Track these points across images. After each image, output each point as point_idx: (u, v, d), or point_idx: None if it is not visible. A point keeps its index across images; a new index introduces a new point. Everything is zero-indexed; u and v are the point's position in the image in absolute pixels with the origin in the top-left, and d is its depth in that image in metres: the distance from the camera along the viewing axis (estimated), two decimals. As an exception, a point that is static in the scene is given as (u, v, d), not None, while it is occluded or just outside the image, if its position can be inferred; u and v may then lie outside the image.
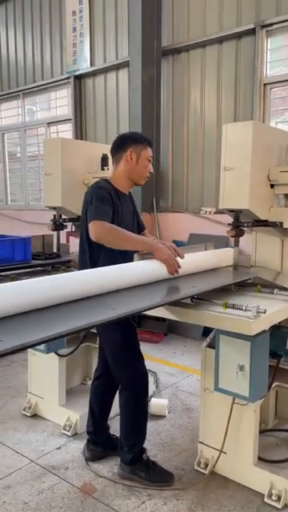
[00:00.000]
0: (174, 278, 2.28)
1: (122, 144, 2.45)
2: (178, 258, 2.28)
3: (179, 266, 2.24)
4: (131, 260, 2.32)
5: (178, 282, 2.28)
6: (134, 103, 5.43)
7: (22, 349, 1.29)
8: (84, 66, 6.43)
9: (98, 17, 6.21)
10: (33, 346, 1.35)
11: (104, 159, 3.42)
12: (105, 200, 2.28)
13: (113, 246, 2.23)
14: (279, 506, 2.23)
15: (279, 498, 2.24)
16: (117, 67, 6.06)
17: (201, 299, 2.16)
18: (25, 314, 1.63)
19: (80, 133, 6.64)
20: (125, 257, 2.28)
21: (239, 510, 2.24)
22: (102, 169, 3.40)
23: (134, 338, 2.45)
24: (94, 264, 2.32)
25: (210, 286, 2.24)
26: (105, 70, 6.23)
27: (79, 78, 6.58)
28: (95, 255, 2.35)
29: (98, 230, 2.18)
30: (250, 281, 2.49)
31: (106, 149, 3.45)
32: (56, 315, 1.67)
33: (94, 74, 6.39)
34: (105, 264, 2.26)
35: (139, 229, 2.64)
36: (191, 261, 2.44)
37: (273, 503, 2.25)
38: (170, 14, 5.40)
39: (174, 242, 2.65)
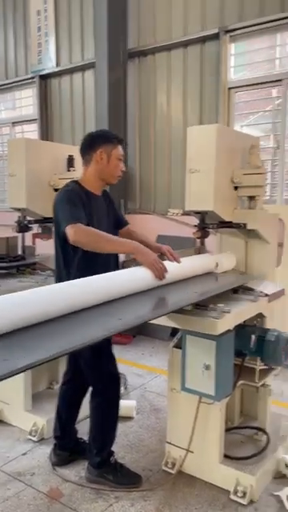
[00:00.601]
0: (170, 284, 2.23)
1: (91, 144, 2.37)
2: (171, 263, 2.25)
3: (166, 271, 2.15)
4: (108, 263, 2.28)
5: (175, 288, 2.23)
6: (101, 105, 5.41)
7: (31, 367, 1.24)
8: (49, 66, 6.36)
9: (63, 17, 6.15)
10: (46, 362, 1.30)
11: (70, 160, 3.38)
12: (77, 203, 2.21)
13: (92, 249, 2.15)
14: (245, 503, 2.27)
15: (244, 495, 2.28)
16: (83, 68, 6.03)
17: (202, 305, 2.13)
18: (28, 329, 1.54)
19: (46, 133, 6.55)
20: (101, 260, 2.24)
21: (206, 508, 2.27)
22: (68, 170, 3.37)
23: (107, 341, 2.44)
24: (68, 267, 2.28)
25: (212, 291, 2.20)
26: (71, 71, 6.18)
27: (45, 78, 6.49)
28: (69, 259, 2.28)
29: (74, 233, 2.09)
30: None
31: (72, 150, 3.43)
32: (59, 328, 1.60)
33: (59, 74, 6.32)
34: (80, 267, 2.22)
35: (122, 224, 2.57)
36: (185, 265, 2.41)
37: (238, 499, 2.29)
38: (135, 17, 5.42)
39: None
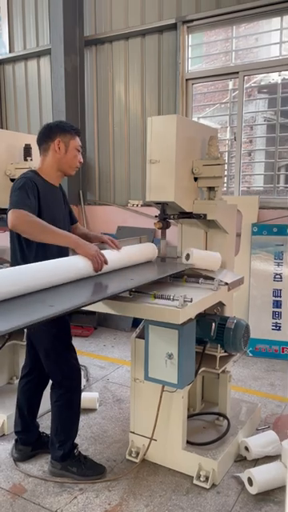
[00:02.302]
0: (109, 272, 2.26)
1: (48, 134, 2.34)
2: (112, 252, 2.26)
3: (106, 263, 2.18)
4: (64, 255, 2.23)
5: (114, 276, 2.25)
6: (57, 92, 5.29)
7: None
8: (3, 52, 6.13)
9: (16, 1, 5.93)
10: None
11: (27, 149, 3.28)
12: (29, 191, 2.17)
13: (31, 238, 2.12)
14: (207, 486, 2.33)
15: (207, 479, 2.34)
16: (38, 55, 5.86)
17: (139, 292, 2.16)
18: None
19: (0, 121, 6.34)
20: (57, 252, 2.21)
21: (170, 495, 2.31)
22: (25, 159, 3.27)
23: (67, 333, 2.41)
24: (24, 260, 2.23)
25: (147, 278, 2.24)
26: (25, 57, 5.99)
27: (-2, 64, 6.27)
28: (25, 251, 2.24)
29: (14, 218, 2.06)
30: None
31: (29, 138, 3.33)
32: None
33: (13, 60, 6.11)
34: (37, 260, 2.17)
35: (71, 221, 2.56)
36: (126, 253, 2.44)
37: (201, 484, 2.35)
38: (92, 3, 5.31)
39: (103, 234, 2.64)
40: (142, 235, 3.00)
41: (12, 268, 1.93)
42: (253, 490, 2.29)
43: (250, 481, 2.30)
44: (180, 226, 2.89)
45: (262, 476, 2.29)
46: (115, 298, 2.11)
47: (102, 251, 2.22)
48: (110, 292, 1.99)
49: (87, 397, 3.17)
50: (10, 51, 6.08)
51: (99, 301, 1.97)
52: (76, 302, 1.75)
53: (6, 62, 6.19)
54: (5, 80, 6.29)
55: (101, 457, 2.62)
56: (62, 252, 2.24)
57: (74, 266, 2.09)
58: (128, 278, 2.24)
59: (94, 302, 1.86)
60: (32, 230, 2.09)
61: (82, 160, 2.43)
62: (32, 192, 2.19)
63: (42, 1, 5.69)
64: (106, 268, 2.20)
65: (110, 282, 2.19)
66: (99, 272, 2.17)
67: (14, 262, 2.30)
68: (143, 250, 2.65)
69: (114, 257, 2.30)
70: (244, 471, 2.38)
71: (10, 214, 2.08)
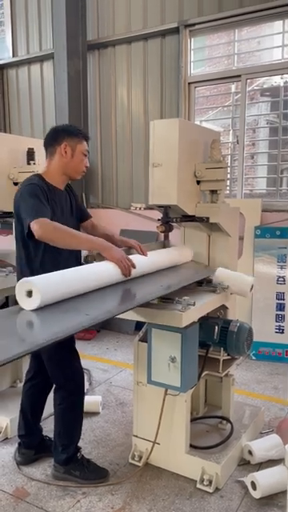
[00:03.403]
0: (137, 278, 2.23)
1: (55, 137, 2.32)
2: (139, 257, 2.25)
3: (134, 267, 2.15)
4: (70, 259, 2.24)
5: (142, 281, 2.22)
6: (61, 96, 5.31)
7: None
8: (6, 56, 6.17)
9: (19, 6, 5.97)
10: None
11: (30, 153, 3.30)
12: (41, 197, 2.16)
13: (58, 245, 2.10)
14: (210, 490, 2.32)
15: (210, 483, 2.33)
16: (41, 59, 5.89)
17: (168, 299, 2.15)
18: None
19: (3, 125, 6.37)
20: (64, 256, 2.21)
21: (173, 499, 2.30)
22: (29, 163, 3.29)
23: (70, 337, 2.41)
24: (30, 263, 2.23)
25: (178, 284, 2.21)
26: (28, 62, 6.02)
27: (1, 69, 6.30)
28: (31, 255, 2.23)
29: (39, 228, 2.03)
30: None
31: (32, 142, 3.35)
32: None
33: (17, 64, 6.14)
34: (43, 263, 2.18)
35: (84, 217, 2.54)
36: (153, 259, 2.42)
37: (204, 488, 2.34)
38: (94, 8, 5.34)
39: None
40: (147, 238, 3.00)
41: (50, 274, 1.89)
42: (256, 495, 2.28)
43: (254, 485, 2.29)
44: (183, 229, 2.89)
45: (265, 480, 2.28)
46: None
47: (130, 256, 2.20)
48: (141, 299, 1.95)
49: (90, 400, 3.16)
50: (13, 55, 6.11)
51: (132, 309, 1.96)
52: (109, 309, 1.76)
53: (9, 66, 6.22)
54: (8, 84, 6.32)
55: (104, 460, 2.61)
56: (71, 254, 2.24)
57: (106, 272, 2.05)
58: (157, 283, 2.20)
59: (128, 310, 1.87)
60: (59, 237, 2.08)
61: (88, 164, 2.41)
62: (44, 198, 2.18)
63: (44, 5, 5.73)
64: (134, 273, 2.17)
65: (137, 288, 2.14)
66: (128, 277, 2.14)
67: (19, 265, 2.31)
68: (174, 254, 2.62)
69: (141, 262, 2.25)
70: (247, 475, 2.37)
71: (33, 225, 2.04)
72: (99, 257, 2.18)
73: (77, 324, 1.54)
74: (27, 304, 1.70)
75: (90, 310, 1.72)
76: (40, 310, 1.68)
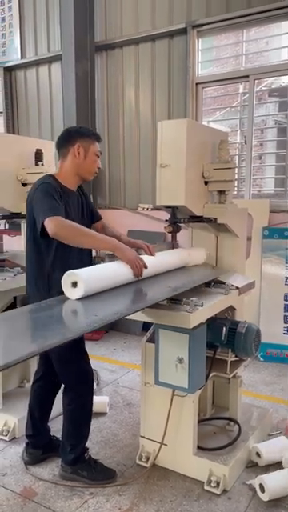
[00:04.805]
0: (147, 278, 2.24)
1: (68, 138, 2.34)
2: (148, 257, 2.25)
3: (145, 267, 2.16)
4: (82, 258, 2.25)
5: (151, 282, 2.23)
6: (68, 98, 5.33)
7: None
8: (14, 58, 6.20)
9: (28, 8, 6.01)
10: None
11: (38, 154, 3.31)
12: (55, 196, 2.17)
13: (71, 243, 2.11)
14: (218, 492, 2.31)
15: (218, 484, 2.32)
16: (49, 60, 5.92)
17: (176, 299, 2.14)
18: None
19: (12, 126, 6.41)
20: (75, 255, 2.22)
21: (180, 500, 2.29)
22: (37, 164, 3.30)
23: (80, 337, 2.41)
24: (41, 263, 2.23)
25: (186, 285, 2.21)
26: (36, 63, 6.06)
27: (9, 70, 6.34)
28: (43, 254, 2.24)
29: (54, 226, 2.04)
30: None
31: (40, 143, 3.37)
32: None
33: (25, 66, 6.18)
34: (54, 263, 2.19)
35: (95, 218, 2.55)
36: (161, 260, 2.42)
37: (212, 490, 2.33)
38: (102, 9, 5.35)
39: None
40: (155, 239, 2.99)
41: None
42: (264, 497, 2.26)
43: (262, 487, 2.28)
44: (190, 230, 2.88)
45: (274, 483, 2.27)
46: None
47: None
48: (150, 300, 1.95)
49: (97, 401, 3.16)
50: (21, 57, 6.15)
51: (141, 309, 1.97)
52: (118, 310, 1.76)
53: (17, 67, 6.26)
54: (16, 86, 6.36)
55: (111, 461, 2.61)
56: (82, 255, 2.24)
57: (119, 272, 2.07)
58: (165, 284, 2.20)
59: (137, 311, 1.88)
60: (73, 235, 2.09)
61: (100, 165, 2.43)
62: (57, 197, 2.19)
63: (53, 7, 5.76)
64: (143, 274, 2.18)
65: (146, 289, 2.15)
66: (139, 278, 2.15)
67: (30, 264, 2.31)
68: (183, 255, 2.62)
69: (150, 263, 2.25)
70: (255, 477, 2.36)
71: (47, 222, 2.05)
72: (110, 257, 2.19)
73: (86, 325, 1.54)
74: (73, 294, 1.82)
75: (98, 311, 1.72)
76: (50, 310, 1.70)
